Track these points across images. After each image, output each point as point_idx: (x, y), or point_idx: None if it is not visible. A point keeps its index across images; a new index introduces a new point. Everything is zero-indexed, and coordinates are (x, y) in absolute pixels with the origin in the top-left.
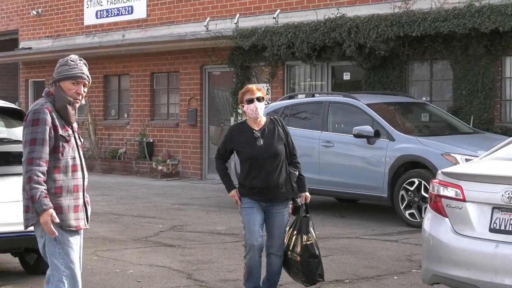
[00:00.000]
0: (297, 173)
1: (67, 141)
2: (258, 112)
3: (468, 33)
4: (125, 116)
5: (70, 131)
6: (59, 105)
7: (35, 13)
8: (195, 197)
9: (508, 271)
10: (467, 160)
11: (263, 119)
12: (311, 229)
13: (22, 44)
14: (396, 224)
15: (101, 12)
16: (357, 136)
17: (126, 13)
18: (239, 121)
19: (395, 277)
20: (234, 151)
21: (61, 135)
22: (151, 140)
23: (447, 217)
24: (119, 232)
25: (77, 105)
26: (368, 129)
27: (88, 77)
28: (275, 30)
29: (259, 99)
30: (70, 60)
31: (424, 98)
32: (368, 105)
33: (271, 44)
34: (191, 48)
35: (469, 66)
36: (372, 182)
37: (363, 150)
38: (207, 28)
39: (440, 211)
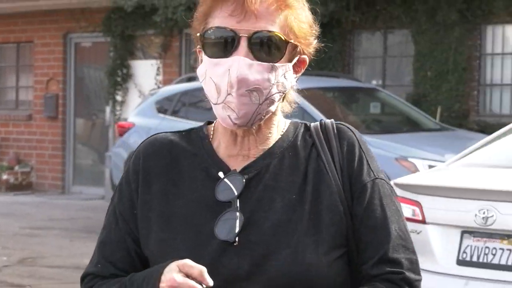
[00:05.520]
0: None
1: None
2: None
3: None
4: None
5: None
6: None
7: None
8: (55, 218)
9: None
10: (430, 167)
11: (274, 129)
12: None
13: None
14: None
15: None
16: None
17: None
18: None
19: None
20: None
21: None
22: None
23: None
24: None
25: None
26: None
27: None
28: None
29: (258, 41)
30: None
31: (374, 82)
32: (296, 91)
33: (164, 4)
34: (51, 8)
35: (437, 38)
36: None
37: None
38: None
39: None
